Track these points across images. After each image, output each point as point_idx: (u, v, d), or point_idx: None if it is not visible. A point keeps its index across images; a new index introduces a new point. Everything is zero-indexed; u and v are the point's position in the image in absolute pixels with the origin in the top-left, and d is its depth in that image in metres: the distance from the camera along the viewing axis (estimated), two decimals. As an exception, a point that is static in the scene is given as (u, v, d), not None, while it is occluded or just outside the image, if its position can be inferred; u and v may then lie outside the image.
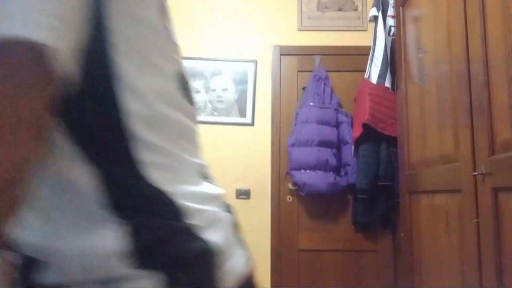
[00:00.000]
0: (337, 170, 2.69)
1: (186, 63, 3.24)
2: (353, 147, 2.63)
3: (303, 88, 2.88)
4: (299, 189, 2.72)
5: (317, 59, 2.95)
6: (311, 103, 2.73)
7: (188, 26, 3.06)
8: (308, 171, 2.64)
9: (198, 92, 2.98)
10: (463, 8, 1.46)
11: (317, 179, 2.61)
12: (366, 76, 2.53)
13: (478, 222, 1.32)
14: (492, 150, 1.28)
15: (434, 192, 1.71)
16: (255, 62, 3.00)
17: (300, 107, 2.79)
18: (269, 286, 2.76)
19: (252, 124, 2.93)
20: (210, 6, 3.09)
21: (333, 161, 2.64)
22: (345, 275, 2.73)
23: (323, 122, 2.69)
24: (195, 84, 2.99)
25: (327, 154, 2.64)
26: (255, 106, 2.95)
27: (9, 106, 0.32)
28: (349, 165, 2.66)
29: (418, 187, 1.89)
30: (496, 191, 1.24)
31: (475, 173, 1.34)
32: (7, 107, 0.31)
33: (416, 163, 1.94)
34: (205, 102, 2.97)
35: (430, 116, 1.76)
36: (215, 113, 2.95)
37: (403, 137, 2.08)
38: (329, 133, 2.68)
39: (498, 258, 1.22)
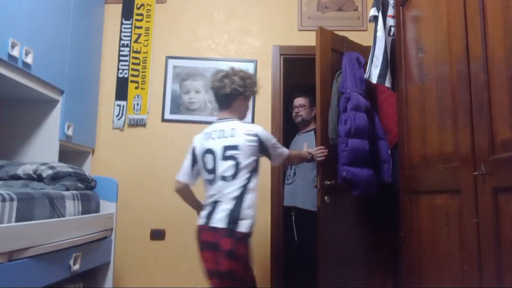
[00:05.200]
0: (373, 165, 2.39)
1: (186, 63, 3.27)
2: (386, 143, 2.45)
3: (337, 71, 2.54)
4: (349, 188, 2.31)
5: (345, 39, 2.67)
6: (356, 89, 2.36)
7: (188, 26, 3.06)
8: (363, 168, 2.29)
9: (198, 92, 2.98)
10: (463, 8, 1.46)
11: (371, 177, 2.31)
12: (366, 76, 2.52)
13: (478, 222, 1.32)
14: (492, 150, 1.27)
15: (434, 192, 1.71)
16: (255, 62, 3.00)
17: (348, 90, 2.36)
18: (269, 286, 2.76)
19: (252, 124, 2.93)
20: (210, 6, 3.09)
21: (375, 157, 2.38)
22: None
23: (368, 113, 2.36)
24: (195, 84, 2.99)
25: (372, 149, 2.36)
26: (255, 106, 2.95)
27: None
28: (387, 163, 2.41)
29: (418, 187, 1.89)
30: (496, 191, 1.24)
31: (475, 173, 1.34)
32: None
33: (416, 163, 1.93)
34: (205, 102, 2.97)
35: (430, 116, 1.76)
36: (215, 113, 2.95)
37: (403, 137, 2.08)
38: (371, 126, 2.38)
39: (498, 258, 1.22)
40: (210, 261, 1.77)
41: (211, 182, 1.87)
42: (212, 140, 1.89)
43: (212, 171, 1.86)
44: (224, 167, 1.83)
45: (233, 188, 1.80)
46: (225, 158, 1.84)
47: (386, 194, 2.48)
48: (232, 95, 1.93)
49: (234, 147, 1.84)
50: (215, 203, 1.82)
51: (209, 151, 1.89)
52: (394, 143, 2.41)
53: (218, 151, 1.86)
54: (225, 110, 1.97)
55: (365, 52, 2.67)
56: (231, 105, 1.96)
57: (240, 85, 1.92)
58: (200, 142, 1.95)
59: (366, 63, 2.45)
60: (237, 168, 1.82)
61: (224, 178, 1.83)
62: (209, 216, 1.81)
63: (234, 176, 1.82)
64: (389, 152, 2.45)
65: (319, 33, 2.48)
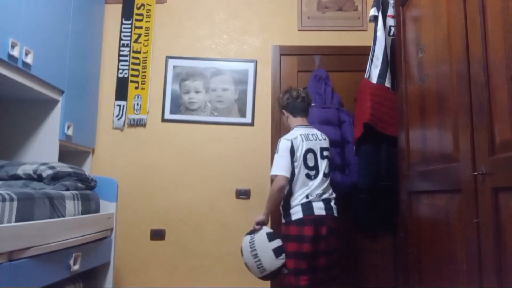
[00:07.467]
0: (342, 169, 2.65)
1: (186, 63, 3.27)
2: (354, 146, 2.62)
3: (304, 89, 2.87)
4: None
5: (317, 59, 2.94)
6: (313, 104, 2.69)
7: (189, 26, 3.06)
8: None
9: (198, 92, 2.98)
10: (463, 8, 1.46)
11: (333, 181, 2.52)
12: (366, 76, 2.53)
13: (478, 222, 1.32)
14: (492, 150, 1.27)
15: (434, 192, 1.71)
16: (255, 62, 3.00)
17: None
18: (269, 286, 2.76)
19: (252, 124, 2.94)
20: (210, 6, 3.09)
21: (338, 160, 2.62)
22: (345, 275, 2.73)
23: (326, 122, 2.67)
24: (195, 84, 2.99)
25: (332, 153, 2.58)
26: (255, 106, 2.95)
27: None
28: (352, 164, 2.64)
29: (418, 187, 1.89)
30: (496, 191, 1.24)
31: (475, 173, 1.34)
32: None
33: (416, 163, 1.93)
34: (205, 102, 2.97)
35: (430, 116, 1.76)
36: (215, 113, 2.95)
37: (403, 137, 2.08)
38: (332, 132, 2.64)
39: (498, 258, 1.22)
40: (335, 243, 2.18)
41: (312, 177, 2.20)
42: (311, 141, 2.24)
43: (314, 168, 2.21)
44: (324, 165, 2.24)
45: (330, 184, 2.28)
46: (323, 157, 2.25)
47: (354, 194, 2.61)
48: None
49: (327, 149, 2.30)
50: (327, 197, 2.20)
51: (311, 150, 2.23)
52: (356, 142, 2.56)
53: (318, 151, 2.24)
54: (305, 118, 2.35)
55: (364, 52, 2.68)
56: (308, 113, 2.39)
57: None
58: (300, 142, 2.21)
59: (335, 71, 2.81)
60: (330, 166, 2.30)
61: (325, 175, 2.23)
62: (329, 207, 2.18)
63: (329, 173, 2.27)
64: (353, 154, 2.62)
65: (284, 61, 3.00)
